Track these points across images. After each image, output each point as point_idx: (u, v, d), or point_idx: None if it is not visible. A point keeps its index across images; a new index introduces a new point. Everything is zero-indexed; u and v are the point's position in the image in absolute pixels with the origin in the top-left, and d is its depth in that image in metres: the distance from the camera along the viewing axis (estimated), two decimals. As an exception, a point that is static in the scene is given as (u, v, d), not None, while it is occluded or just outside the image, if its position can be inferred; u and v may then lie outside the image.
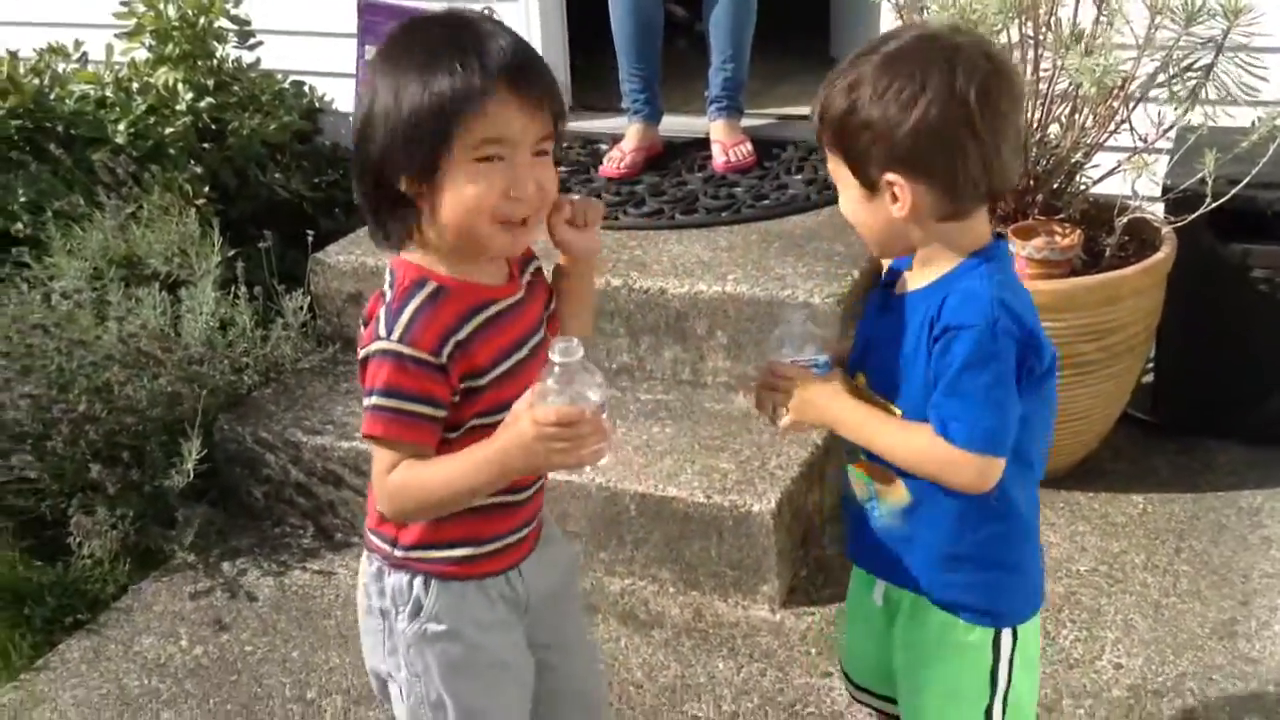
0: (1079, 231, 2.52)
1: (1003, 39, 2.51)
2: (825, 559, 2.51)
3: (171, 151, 3.46)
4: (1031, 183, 2.61)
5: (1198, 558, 2.44)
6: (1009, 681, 1.54)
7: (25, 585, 2.59)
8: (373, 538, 1.50)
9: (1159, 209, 2.63)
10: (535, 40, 3.64)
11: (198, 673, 2.38)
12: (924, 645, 1.56)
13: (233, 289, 3.07)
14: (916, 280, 1.46)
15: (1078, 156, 2.60)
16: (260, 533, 2.81)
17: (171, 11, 3.57)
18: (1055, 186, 2.63)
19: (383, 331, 1.34)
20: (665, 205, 3.18)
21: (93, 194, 3.31)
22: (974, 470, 1.39)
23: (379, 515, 1.46)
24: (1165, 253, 2.51)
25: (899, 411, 1.45)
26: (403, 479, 1.36)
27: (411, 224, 1.36)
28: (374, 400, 1.34)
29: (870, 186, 1.39)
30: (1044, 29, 2.51)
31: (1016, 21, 2.49)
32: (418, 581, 1.46)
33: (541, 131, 1.33)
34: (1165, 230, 2.56)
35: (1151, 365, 2.80)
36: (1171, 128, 2.52)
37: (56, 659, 2.44)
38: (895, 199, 1.37)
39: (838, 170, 1.42)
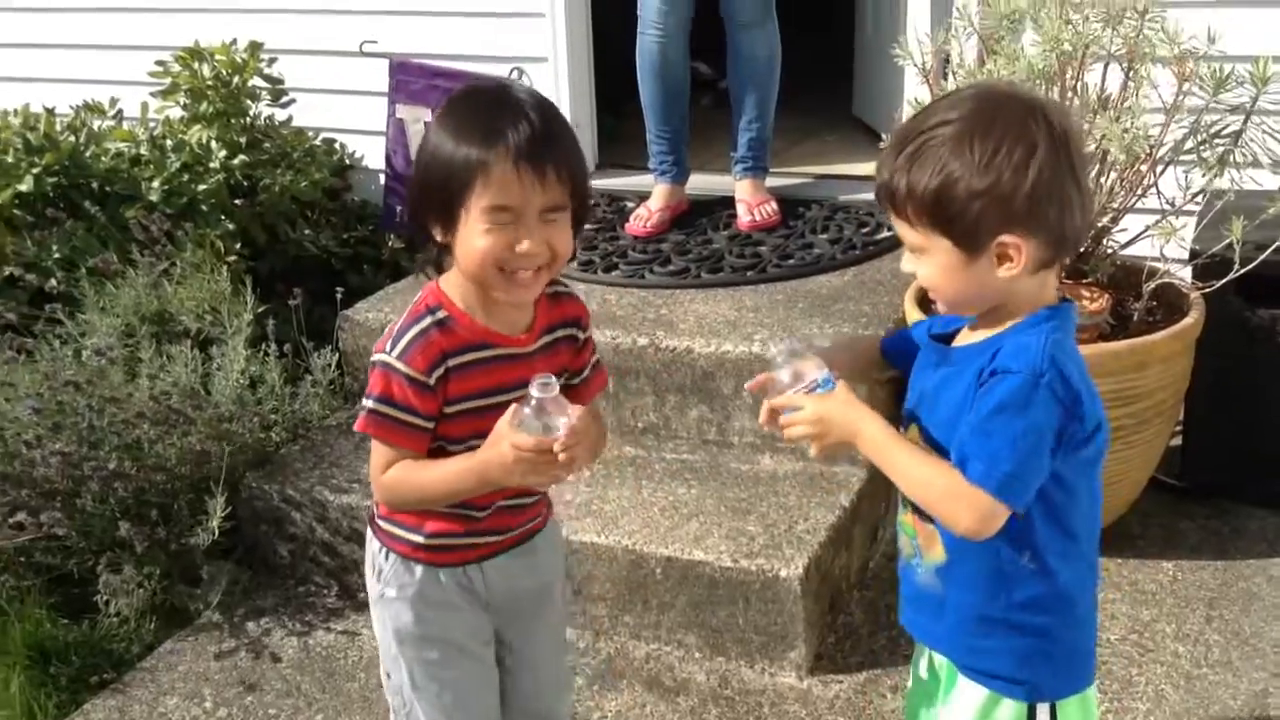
0: (1107, 296, 2.52)
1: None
2: (853, 626, 2.49)
3: (204, 208, 3.51)
4: (1058, 246, 2.61)
5: (1228, 627, 2.41)
6: None
7: (51, 643, 2.60)
8: (371, 505, 1.73)
9: (1186, 273, 2.62)
10: (564, 101, 3.69)
11: (222, 734, 2.38)
12: (954, 716, 1.55)
13: (263, 346, 3.09)
14: (979, 334, 1.46)
15: (1105, 220, 2.60)
16: (285, 591, 2.81)
17: (206, 70, 3.64)
18: (1083, 250, 2.62)
19: (388, 346, 1.55)
20: (691, 264, 3.20)
21: (126, 251, 3.36)
22: (978, 512, 1.38)
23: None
24: (1194, 318, 2.50)
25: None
26: (396, 477, 1.57)
27: (442, 257, 1.58)
28: (369, 404, 1.55)
29: (974, 252, 1.38)
30: (1071, 94, 2.52)
31: (1043, 87, 2.51)
32: (382, 549, 1.69)
33: (548, 201, 1.48)
34: (1194, 295, 2.55)
35: (1180, 430, 2.78)
36: (1200, 193, 2.52)
37: (81, 719, 2.44)
38: (1006, 259, 1.37)
39: (928, 241, 1.40)
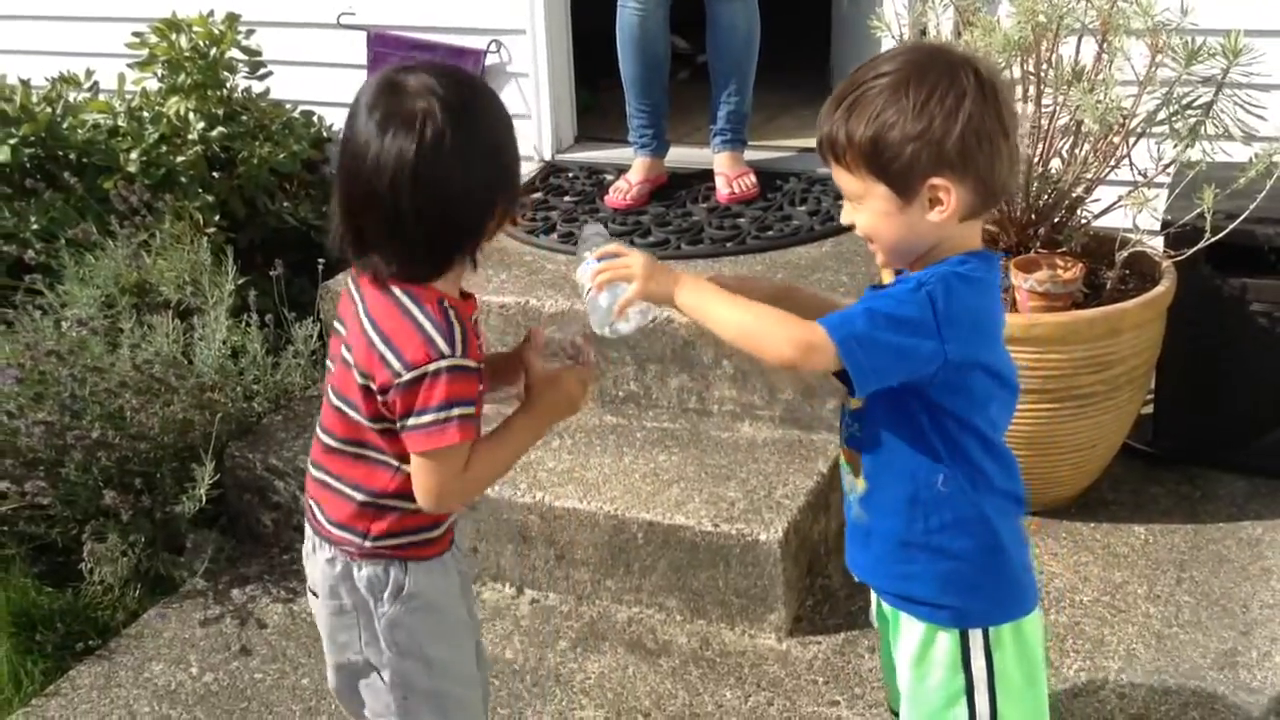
0: (1080, 265, 2.56)
1: (1005, 76, 2.56)
2: (831, 589, 2.54)
3: (183, 180, 3.49)
4: (1034, 216, 2.65)
5: (1199, 588, 2.47)
6: (991, 707, 1.55)
7: (36, 611, 2.61)
8: (343, 533, 1.61)
9: (1159, 243, 2.67)
10: (543, 73, 3.70)
11: (208, 699, 2.40)
12: (901, 659, 1.61)
13: (244, 317, 3.10)
14: (891, 267, 1.55)
15: (1079, 191, 2.64)
16: (269, 559, 2.83)
17: (184, 42, 3.62)
18: (1057, 220, 2.67)
19: (443, 348, 1.46)
20: (671, 235, 3.23)
21: (105, 222, 3.35)
22: (801, 340, 1.42)
23: (353, 511, 1.59)
24: (1165, 286, 2.55)
25: (862, 401, 1.51)
26: (477, 469, 1.53)
27: (454, 262, 1.52)
28: (448, 413, 1.46)
29: (908, 196, 1.44)
30: (1046, 66, 2.56)
31: (1019, 59, 2.54)
32: (395, 566, 1.60)
33: None
34: (1165, 264, 2.60)
35: (1151, 397, 2.83)
36: (1171, 164, 2.57)
37: (67, 685, 2.46)
38: (937, 203, 1.43)
39: (866, 188, 1.46)
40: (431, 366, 1.45)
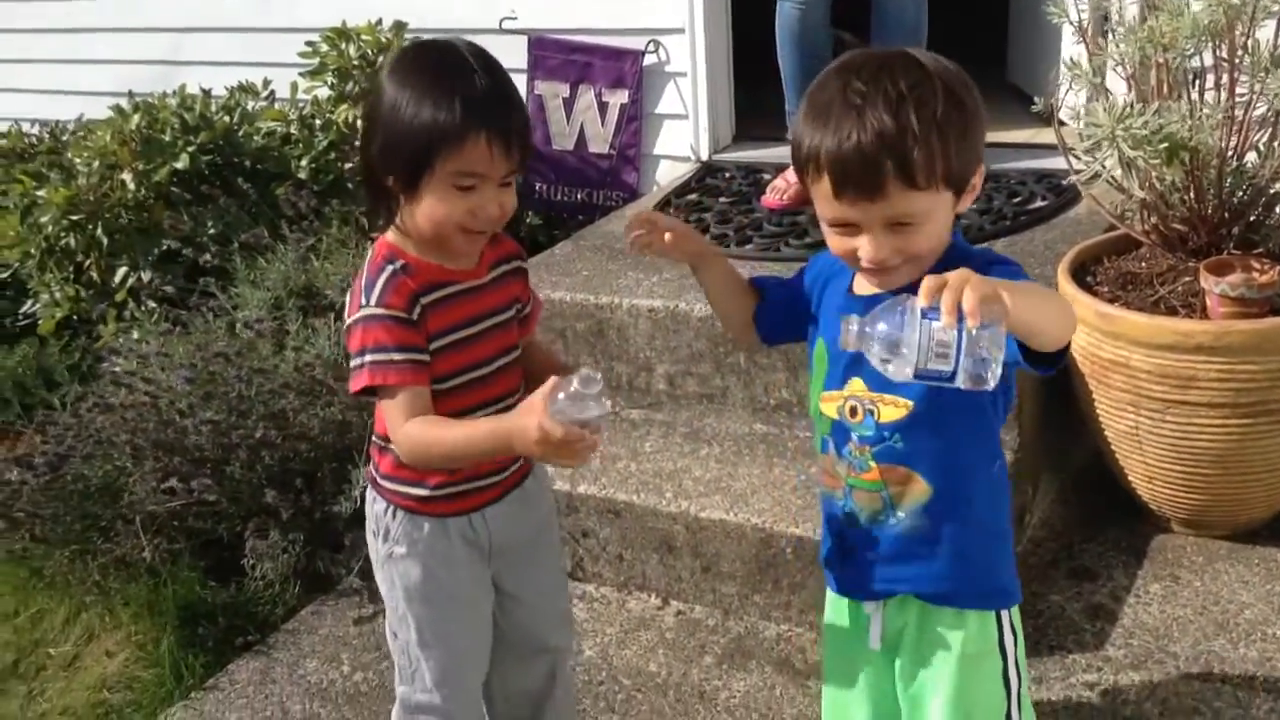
0: (1279, 267, 2.34)
1: (1194, 63, 2.36)
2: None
3: (349, 185, 3.58)
4: (1226, 214, 2.44)
5: None
6: (1019, 679, 1.56)
7: (201, 605, 2.70)
8: (370, 465, 1.77)
9: (1371, 243, 2.42)
10: (701, 72, 3.64)
11: (357, 699, 2.43)
12: (947, 663, 1.54)
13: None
14: (904, 276, 1.43)
15: (1277, 186, 2.41)
16: (422, 561, 2.85)
17: (352, 50, 3.71)
18: (1252, 219, 2.45)
19: (363, 300, 1.57)
20: (830, 237, 3.11)
21: (276, 227, 3.46)
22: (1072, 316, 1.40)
23: (377, 448, 1.72)
24: (1378, 291, 2.30)
25: (909, 405, 1.45)
26: (421, 430, 1.56)
27: (396, 211, 1.60)
28: (364, 358, 1.56)
29: (962, 192, 1.42)
30: (1240, 51, 2.34)
31: (1210, 45, 2.34)
32: (390, 510, 1.71)
33: (510, 166, 1.56)
34: (1378, 266, 2.35)
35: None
36: (1386, 155, 2.32)
37: (225, 680, 2.53)
38: (972, 190, 1.44)
39: (935, 201, 1.38)
40: (355, 316, 1.58)
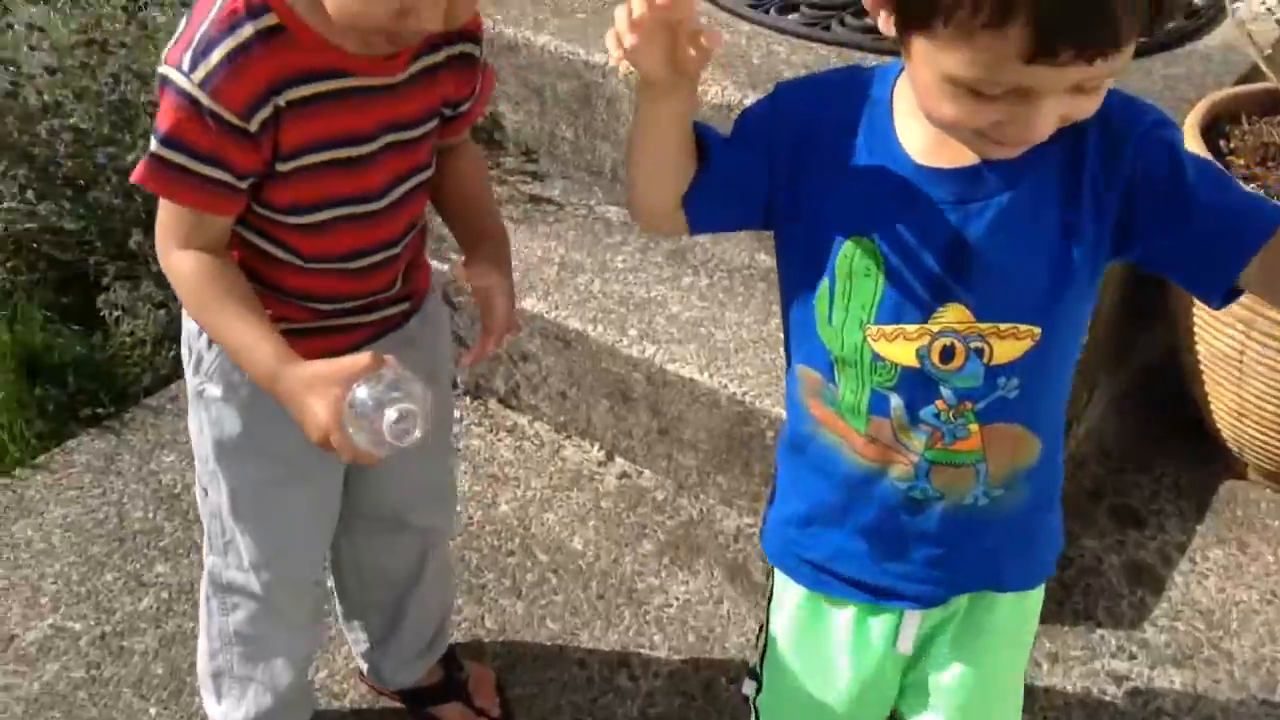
0: None
1: None
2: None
3: None
4: None
5: None
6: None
7: (46, 356, 2.20)
8: None
9: None
10: None
11: (212, 515, 1.97)
12: (1004, 642, 1.16)
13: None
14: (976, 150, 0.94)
15: None
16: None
17: None
18: None
19: (186, 61, 1.05)
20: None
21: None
22: None
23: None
24: None
25: (1034, 335, 0.97)
26: (192, 283, 1.13)
27: None
28: (154, 146, 1.08)
29: None
30: None
31: None
32: (202, 333, 1.25)
33: None
34: None
35: None
36: None
37: (60, 459, 2.06)
38: None
39: (1127, 51, 0.85)
40: (172, 77, 1.05)
